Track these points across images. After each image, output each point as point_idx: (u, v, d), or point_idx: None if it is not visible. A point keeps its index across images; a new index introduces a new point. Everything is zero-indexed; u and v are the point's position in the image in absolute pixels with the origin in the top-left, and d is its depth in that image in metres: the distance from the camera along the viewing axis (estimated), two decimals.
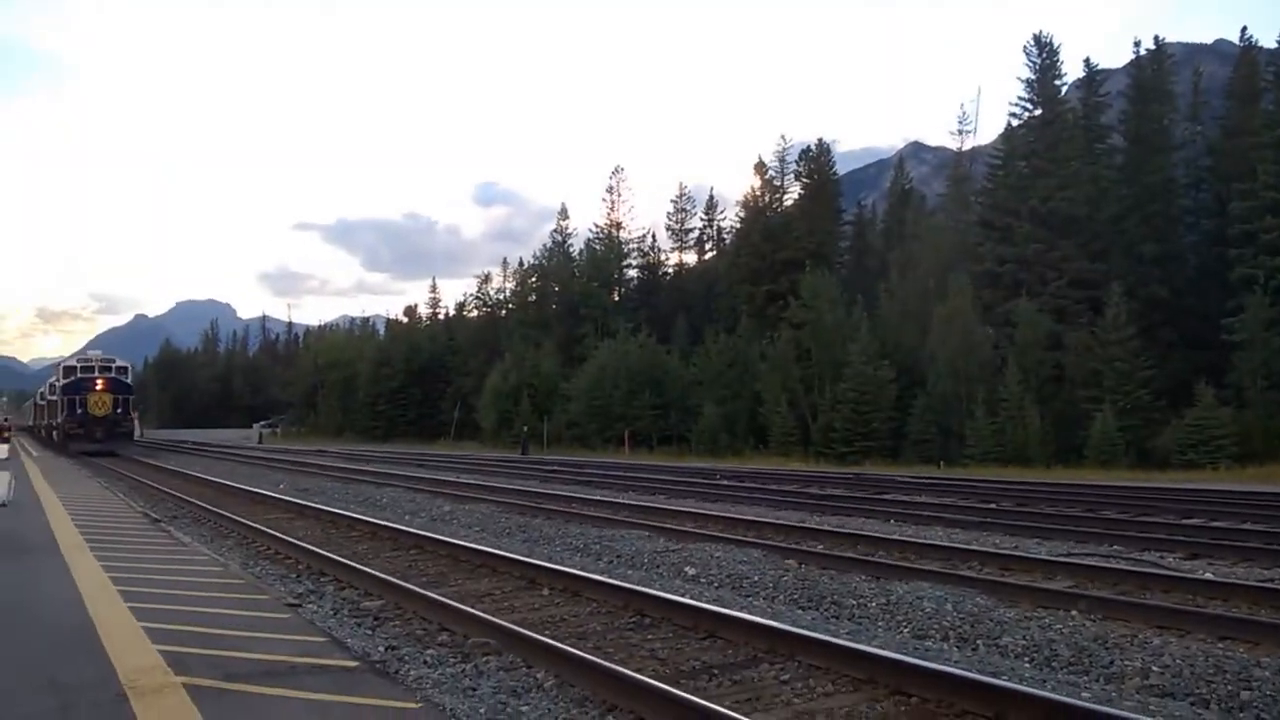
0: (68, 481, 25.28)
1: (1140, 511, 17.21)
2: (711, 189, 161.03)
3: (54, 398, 50.50)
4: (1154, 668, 6.90)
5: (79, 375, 46.30)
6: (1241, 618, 8.25)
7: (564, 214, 79.64)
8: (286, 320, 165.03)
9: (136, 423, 49.65)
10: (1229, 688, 6.43)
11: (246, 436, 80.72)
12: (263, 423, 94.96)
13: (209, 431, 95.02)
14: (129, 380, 48.74)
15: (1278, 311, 37.50)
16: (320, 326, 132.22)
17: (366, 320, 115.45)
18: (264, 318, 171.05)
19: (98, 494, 21.61)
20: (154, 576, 9.76)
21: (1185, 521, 15.65)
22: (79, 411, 44.43)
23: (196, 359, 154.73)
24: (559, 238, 78.12)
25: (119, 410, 45.37)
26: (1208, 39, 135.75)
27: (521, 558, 11.41)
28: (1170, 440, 36.73)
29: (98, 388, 44.90)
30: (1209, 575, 10.59)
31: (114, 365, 47.86)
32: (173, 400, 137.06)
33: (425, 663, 6.90)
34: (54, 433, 50.20)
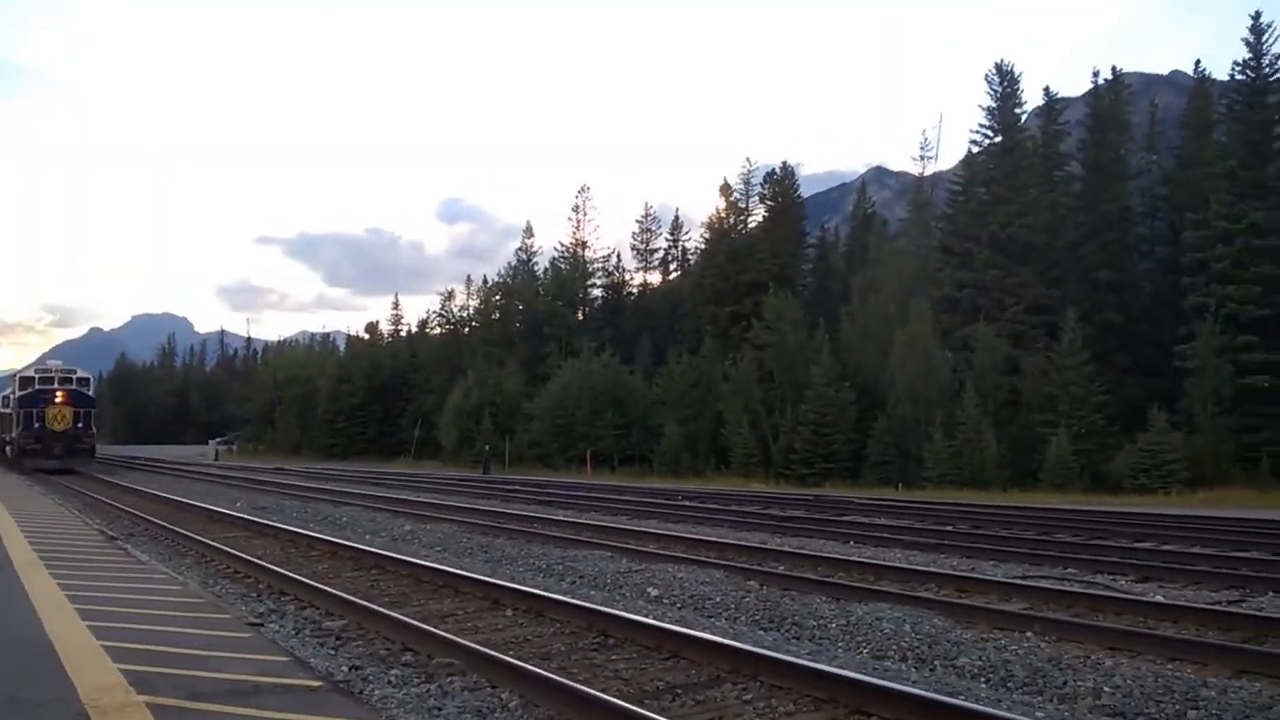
0: (20, 498, 24.87)
1: (1093, 535, 17.53)
2: (677, 210, 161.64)
3: (8, 410, 46.92)
4: (1105, 688, 7.06)
5: (37, 387, 43.23)
6: (1190, 639, 8.46)
7: (529, 232, 79.70)
8: (245, 335, 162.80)
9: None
10: (1177, 707, 6.60)
11: (202, 453, 79.62)
12: (219, 439, 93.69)
13: (164, 448, 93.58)
14: (90, 393, 45.86)
15: (1228, 339, 38.34)
16: (280, 342, 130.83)
17: (327, 336, 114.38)
18: (222, 332, 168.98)
19: (52, 511, 21.29)
20: (112, 595, 9.67)
21: (1137, 545, 15.97)
22: (36, 426, 41.20)
23: (153, 373, 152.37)
24: (524, 256, 78.15)
25: (80, 425, 42.25)
26: (1164, 70, 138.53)
27: (484, 578, 11.41)
28: (1123, 464, 37.39)
29: (57, 400, 41.86)
30: (1159, 598, 10.83)
31: (75, 376, 44.92)
32: (127, 415, 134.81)
33: (389, 683, 6.91)
34: (8, 448, 46.81)
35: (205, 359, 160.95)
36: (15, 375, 47.52)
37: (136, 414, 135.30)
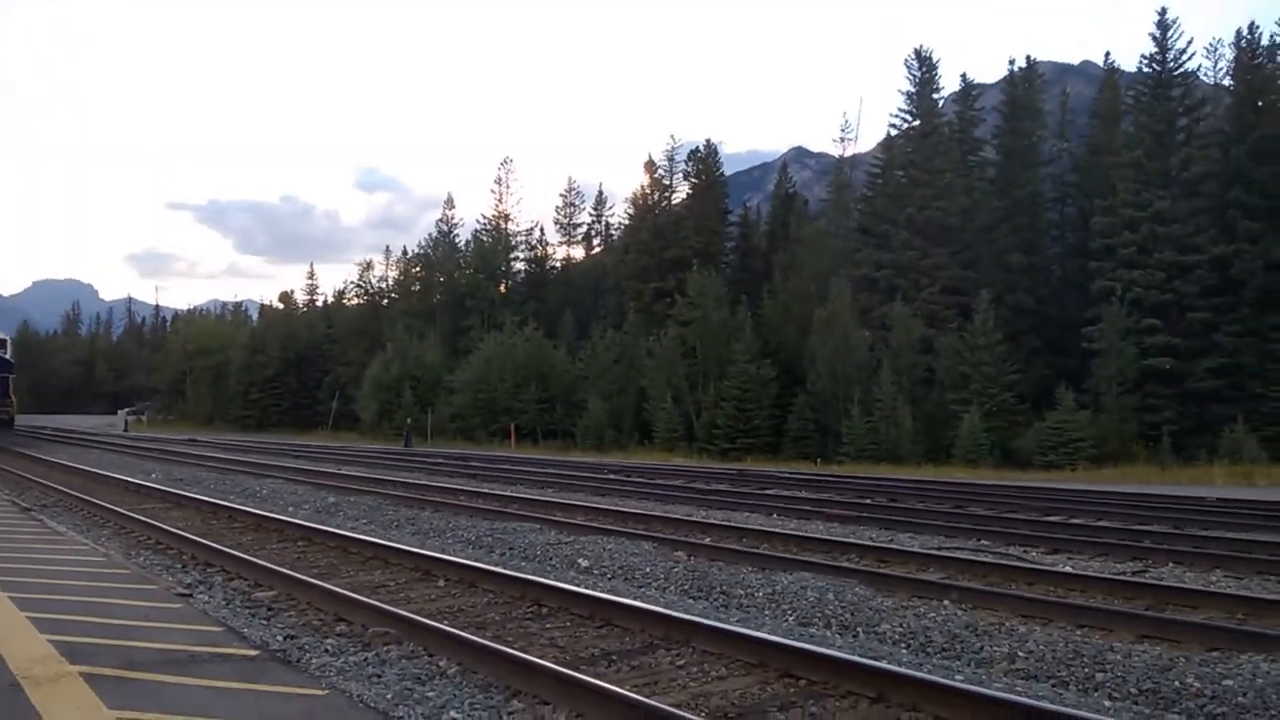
0: None
1: (1005, 509, 18.15)
2: (600, 185, 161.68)
3: None
4: (1019, 653, 7.41)
5: None
6: (1097, 607, 8.89)
7: (450, 203, 78.96)
8: (154, 303, 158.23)
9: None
10: (1085, 670, 6.97)
11: (111, 424, 77.33)
12: (129, 410, 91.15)
13: (71, 418, 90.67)
14: (9, 356, 40.88)
15: (1133, 322, 39.83)
16: (190, 310, 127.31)
17: (239, 305, 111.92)
18: (130, 300, 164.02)
19: None
20: (32, 566, 9.47)
21: (1047, 518, 16.58)
22: None
23: (56, 342, 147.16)
24: (444, 228, 77.22)
25: None
26: (1076, 60, 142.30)
27: (414, 549, 11.43)
28: (1032, 441, 38.67)
29: None
30: (1069, 568, 11.32)
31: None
32: (30, 385, 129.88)
33: (326, 651, 6.94)
34: None
35: (112, 327, 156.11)
36: None
37: (39, 384, 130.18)
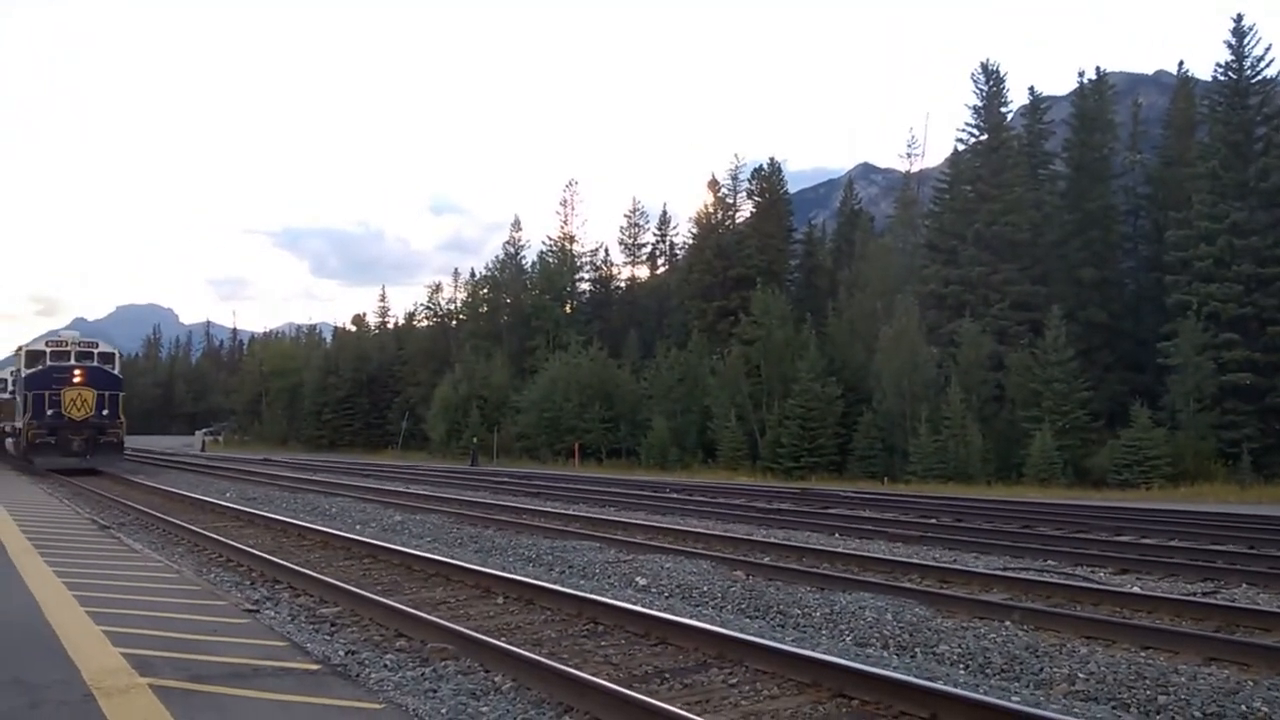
0: (6, 487, 24.90)
1: (1075, 529, 17.79)
2: (664, 204, 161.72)
3: (11, 394, 38.41)
4: (1080, 674, 7.29)
5: (49, 363, 34.14)
6: (1164, 629, 8.69)
7: (517, 225, 79.60)
8: (231, 326, 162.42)
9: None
10: (1148, 693, 6.83)
11: (188, 444, 79.51)
12: (205, 430, 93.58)
13: (150, 438, 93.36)
14: (116, 371, 36.13)
15: (1210, 336, 38.73)
16: (266, 333, 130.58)
17: (313, 328, 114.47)
18: (208, 323, 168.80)
19: (40, 499, 21.36)
20: (108, 582, 9.81)
21: (1117, 538, 16.23)
22: (49, 413, 32.26)
23: (138, 364, 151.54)
24: (511, 249, 78.07)
25: (105, 412, 33.15)
26: (1149, 70, 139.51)
27: (475, 567, 11.60)
28: (1106, 460, 37.74)
29: (75, 380, 32.87)
30: (1136, 589, 11.09)
31: (96, 350, 35.66)
32: None
33: (385, 666, 7.09)
34: (8, 441, 38.31)
35: (191, 350, 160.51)
36: (20, 350, 37.14)
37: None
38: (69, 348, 35.44)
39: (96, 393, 32.99)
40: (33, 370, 33.95)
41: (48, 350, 35.10)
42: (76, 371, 33.18)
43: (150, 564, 11.62)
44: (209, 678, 6.13)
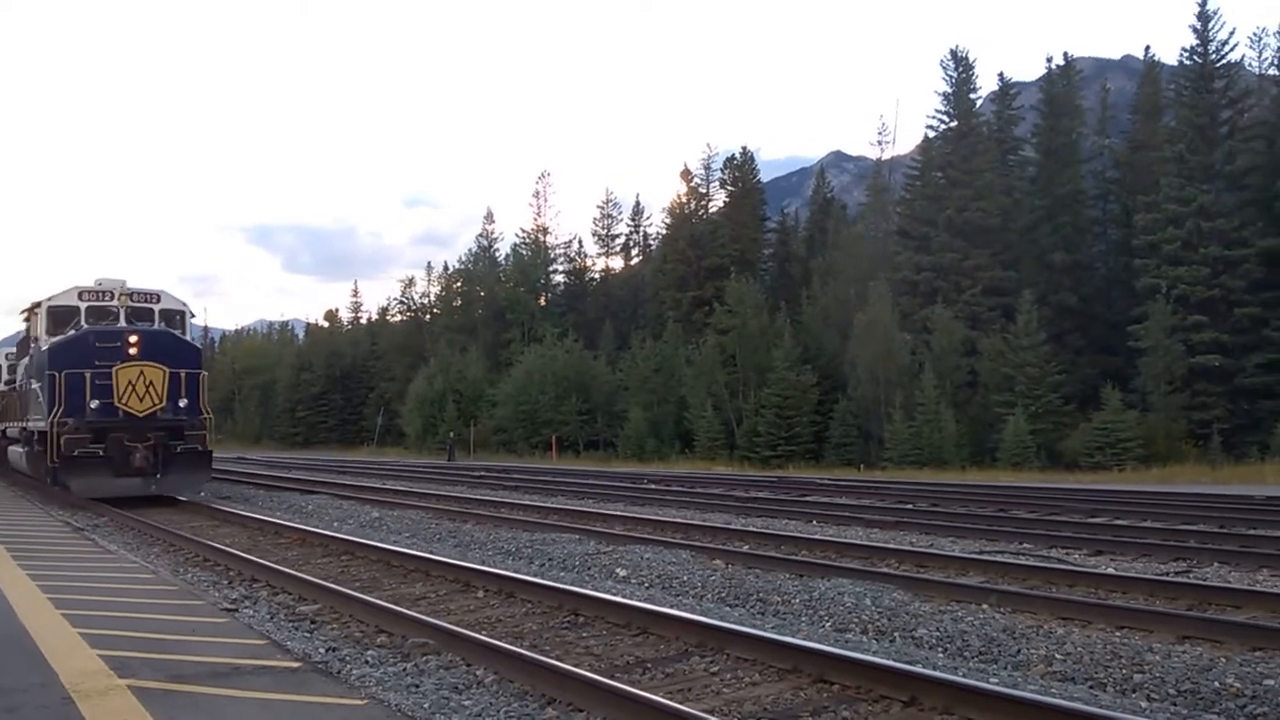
0: None
1: (1049, 511, 17.99)
2: (637, 195, 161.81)
3: (13, 382, 26.51)
4: (1057, 655, 7.37)
5: (86, 326, 21.07)
6: (1138, 608, 8.82)
7: (490, 218, 79.44)
8: (202, 324, 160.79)
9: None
10: (1123, 672, 6.92)
11: None
12: None
13: None
14: (189, 337, 22.94)
15: (1179, 319, 39.20)
16: (237, 330, 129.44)
17: (286, 324, 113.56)
18: None
19: (10, 501, 21.10)
20: (84, 584, 9.72)
21: (1091, 520, 16.42)
22: (94, 406, 19.66)
23: None
24: (485, 242, 77.95)
25: (182, 403, 20.53)
26: (1116, 55, 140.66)
27: (454, 561, 11.57)
28: (1079, 443, 38.18)
29: (132, 352, 20.07)
30: (1111, 570, 11.22)
31: (157, 307, 22.32)
32: None
33: (366, 662, 7.07)
34: (18, 451, 24.23)
35: None
36: (35, 310, 22.92)
37: None
38: (116, 302, 21.66)
39: (168, 371, 20.14)
40: (60, 339, 20.85)
41: (82, 306, 21.44)
42: (132, 339, 20.14)
43: (126, 565, 11.51)
44: (189, 678, 6.10)
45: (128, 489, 19.79)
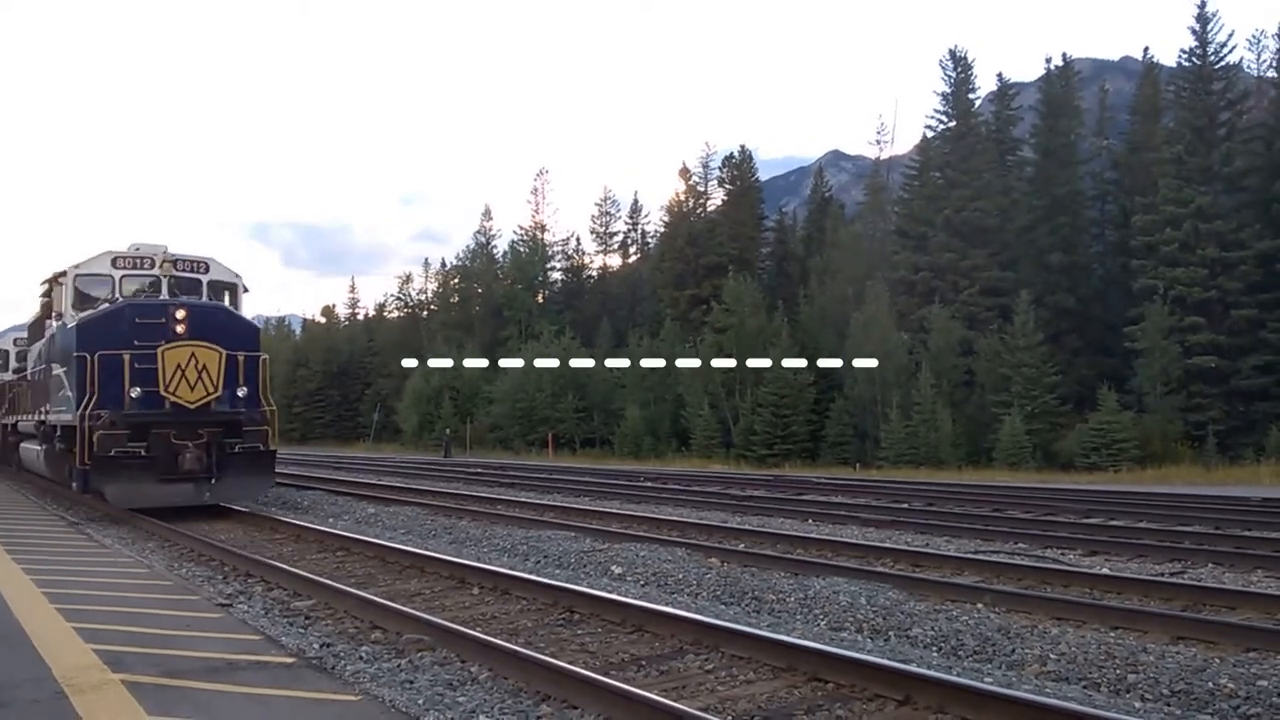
0: None
1: (1044, 511, 18.00)
2: (636, 193, 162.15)
3: (41, 366, 20.75)
4: (1051, 655, 7.38)
5: (123, 299, 17.87)
6: (1133, 609, 8.82)
7: (487, 215, 79.54)
8: None
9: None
10: (1118, 672, 6.93)
11: None
12: None
13: None
14: (245, 312, 19.64)
15: (1176, 320, 39.25)
16: None
17: (282, 319, 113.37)
18: None
19: (5, 496, 21.07)
20: (79, 579, 9.70)
21: (1086, 520, 16.43)
22: (134, 395, 16.10)
23: None
24: (482, 238, 77.94)
25: (241, 392, 17.13)
26: (1115, 56, 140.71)
27: (450, 558, 11.56)
28: (1075, 443, 38.22)
29: (179, 330, 16.61)
30: (1106, 570, 11.23)
31: (205, 278, 18.96)
32: None
33: (361, 658, 7.06)
34: (35, 450, 20.94)
35: None
36: (59, 281, 18.94)
37: None
38: (157, 271, 18.29)
39: (224, 354, 16.71)
40: (91, 314, 17.24)
41: (116, 276, 18.16)
42: (180, 314, 16.60)
43: (121, 560, 11.50)
44: (183, 673, 6.09)
45: (176, 497, 16.21)
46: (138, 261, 18.47)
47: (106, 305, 17.49)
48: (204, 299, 18.36)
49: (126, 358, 16.01)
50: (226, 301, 18.85)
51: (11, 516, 16.21)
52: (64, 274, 18.50)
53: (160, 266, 18.33)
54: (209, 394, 16.53)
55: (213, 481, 16.44)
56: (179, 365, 16.27)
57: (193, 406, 16.41)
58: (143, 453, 16.03)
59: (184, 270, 18.63)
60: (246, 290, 19.52)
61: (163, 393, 16.14)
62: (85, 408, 15.87)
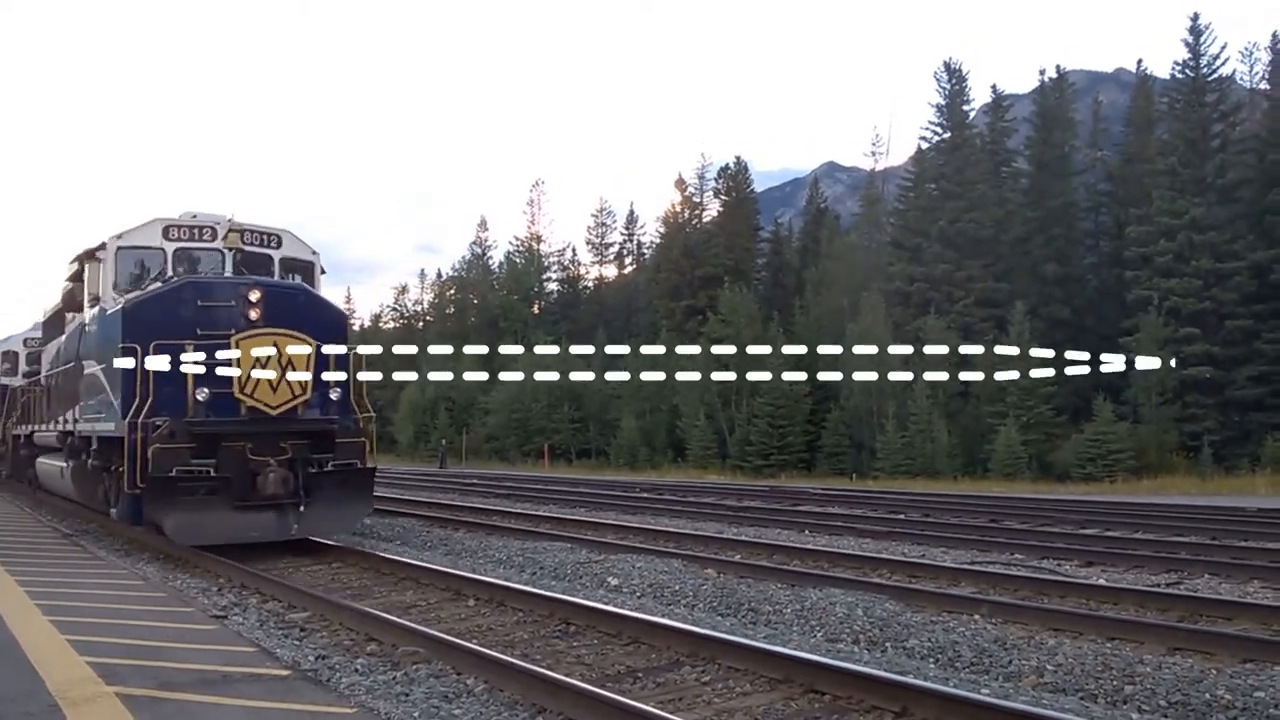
0: None
1: (1040, 522, 18.00)
2: (631, 204, 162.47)
3: (65, 364, 16.68)
4: (1048, 666, 7.37)
5: (180, 276, 13.77)
6: (1129, 620, 8.81)
7: (483, 226, 79.63)
8: None
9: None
10: (1114, 683, 6.92)
11: None
12: None
13: None
14: (325, 295, 15.45)
15: (1171, 331, 39.36)
16: None
17: None
18: None
19: (1, 507, 20.99)
20: (73, 590, 9.67)
21: (1082, 531, 16.44)
22: (198, 399, 12.40)
23: None
24: (478, 249, 78.04)
25: (333, 395, 13.49)
26: (1108, 68, 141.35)
27: (445, 569, 11.53)
28: (1070, 454, 38.28)
29: (254, 316, 12.76)
30: (1102, 581, 11.23)
31: (277, 255, 14.84)
32: None
33: (356, 671, 7.04)
34: (63, 464, 16.57)
35: None
36: (101, 249, 14.34)
37: None
38: (220, 243, 14.46)
39: (315, 347, 13.28)
40: (140, 295, 13.52)
41: (168, 249, 14.27)
42: (254, 295, 12.99)
43: (115, 571, 11.46)
44: (177, 685, 6.06)
45: (253, 531, 12.62)
46: (196, 232, 14.51)
47: (159, 285, 13.64)
48: (276, 271, 14.80)
49: (190, 349, 12.55)
50: (311, 276, 15.32)
51: (4, 528, 16.14)
52: (101, 247, 14.38)
53: (225, 238, 14.37)
54: (297, 398, 13.04)
55: (300, 509, 12.77)
56: (259, 361, 12.78)
57: (276, 413, 12.87)
58: (212, 472, 12.37)
59: (252, 243, 14.62)
60: (324, 272, 15.76)
61: (238, 395, 12.68)
62: (135, 414, 12.23)
